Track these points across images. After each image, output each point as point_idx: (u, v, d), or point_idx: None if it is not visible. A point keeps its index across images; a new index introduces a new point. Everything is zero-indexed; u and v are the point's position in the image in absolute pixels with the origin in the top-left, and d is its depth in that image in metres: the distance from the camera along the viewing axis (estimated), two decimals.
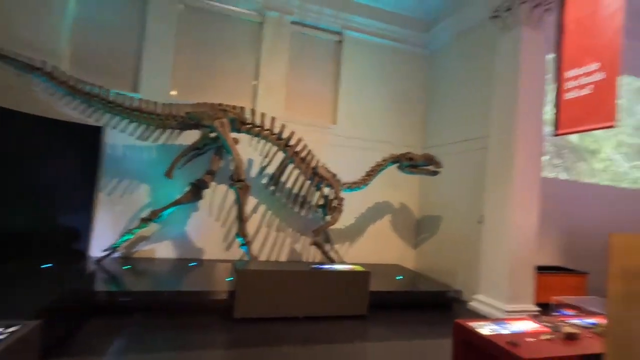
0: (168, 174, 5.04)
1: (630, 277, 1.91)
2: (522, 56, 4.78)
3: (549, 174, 6.27)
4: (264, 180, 5.95)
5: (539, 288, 4.85)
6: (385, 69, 7.15)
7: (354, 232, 6.73)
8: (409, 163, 5.66)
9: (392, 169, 5.97)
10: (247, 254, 5.10)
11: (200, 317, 3.90)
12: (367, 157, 6.42)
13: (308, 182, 5.60)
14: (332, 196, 5.58)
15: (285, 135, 5.41)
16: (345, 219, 6.31)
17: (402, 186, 6.99)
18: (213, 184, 5.51)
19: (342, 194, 5.60)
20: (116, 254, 5.18)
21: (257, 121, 5.28)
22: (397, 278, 5.69)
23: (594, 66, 2.80)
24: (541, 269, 5.31)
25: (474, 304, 5.05)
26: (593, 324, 2.63)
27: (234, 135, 5.13)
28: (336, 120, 6.81)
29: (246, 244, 5.04)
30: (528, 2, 4.71)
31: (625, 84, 7.05)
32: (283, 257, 6.25)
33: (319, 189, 5.65)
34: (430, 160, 5.55)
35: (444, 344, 2.87)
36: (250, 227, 5.74)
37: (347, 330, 3.94)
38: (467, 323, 2.55)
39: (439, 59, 7.06)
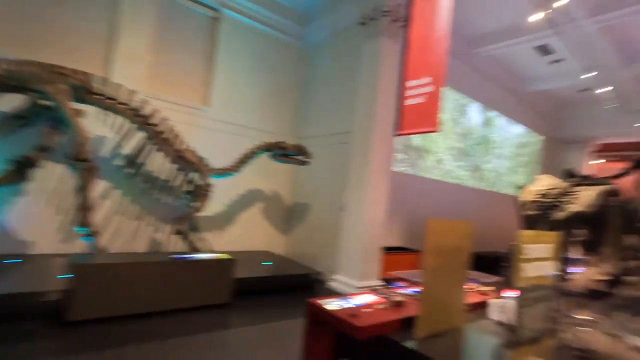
0: None
1: (439, 252, 2.38)
2: (381, 63, 5.41)
3: (397, 168, 7.34)
4: (119, 162, 5.20)
5: (384, 266, 5.66)
6: (264, 56, 7.09)
7: (224, 220, 6.54)
8: (280, 152, 5.79)
9: (266, 156, 6.01)
10: (93, 246, 4.39)
11: (20, 325, 3.18)
12: (240, 143, 6.28)
13: (172, 165, 5.14)
14: (199, 182, 5.28)
15: (146, 112, 4.81)
16: (215, 206, 6.07)
17: (275, 174, 7.12)
18: (48, 162, 4.52)
19: (211, 180, 5.36)
20: None
21: (110, 92, 4.53)
22: (264, 264, 5.80)
23: (427, 80, 3.41)
24: (387, 249, 6.21)
25: (333, 284, 5.57)
26: (416, 292, 3.15)
27: (77, 106, 4.28)
28: (209, 102, 6.43)
29: (91, 234, 4.32)
30: (388, 17, 5.34)
31: (455, 99, 8.76)
32: (141, 249, 5.62)
33: (184, 173, 5.26)
34: (300, 150, 5.80)
35: (300, 323, 3.08)
36: (101, 215, 4.95)
37: (206, 321, 3.82)
38: (317, 301, 2.72)
39: (315, 54, 7.38)
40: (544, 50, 8.48)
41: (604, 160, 14.86)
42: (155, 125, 4.86)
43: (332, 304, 2.62)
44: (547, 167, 12.34)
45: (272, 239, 7.21)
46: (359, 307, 2.60)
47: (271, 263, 5.91)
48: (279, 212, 7.35)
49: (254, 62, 6.97)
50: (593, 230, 3.35)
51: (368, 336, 2.20)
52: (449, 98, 8.56)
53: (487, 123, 9.98)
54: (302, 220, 6.99)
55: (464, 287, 2.67)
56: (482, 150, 9.82)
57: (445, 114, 8.47)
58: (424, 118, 3.32)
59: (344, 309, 2.53)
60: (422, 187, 7.94)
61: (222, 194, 6.22)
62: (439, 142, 8.40)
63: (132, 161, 5.02)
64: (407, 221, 7.58)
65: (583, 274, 2.96)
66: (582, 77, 8.19)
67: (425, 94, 3.37)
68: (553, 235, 2.13)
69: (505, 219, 9.33)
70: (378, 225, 5.44)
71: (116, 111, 4.60)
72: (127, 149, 5.04)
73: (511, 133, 11.08)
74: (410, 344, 2.13)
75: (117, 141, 5.01)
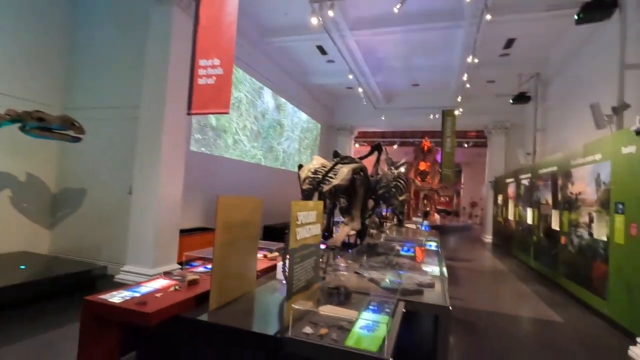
0: None
1: (230, 227, 2.56)
2: (173, 34, 5.02)
3: (194, 148, 7.14)
4: None
5: (182, 248, 5.49)
6: None
7: None
8: (38, 124, 4.52)
9: (13, 130, 4.56)
10: None
11: None
12: None
13: None
14: None
15: None
16: None
17: (32, 153, 5.52)
18: None
19: None
20: None
21: None
22: (21, 268, 4.52)
23: (217, 61, 3.47)
24: (186, 231, 6.04)
25: (121, 276, 4.96)
26: (210, 268, 3.26)
27: None
28: None
29: None
30: None
31: (251, 83, 9.21)
32: None
33: None
34: (68, 123, 4.69)
35: (74, 329, 2.63)
36: None
37: None
38: (98, 297, 2.44)
39: (89, 9, 6.03)
40: (322, 50, 10.07)
41: (358, 145, 19.35)
42: None
43: (116, 297, 2.41)
44: (324, 149, 14.96)
45: (32, 235, 5.64)
46: (148, 294, 2.49)
47: (26, 266, 4.65)
48: (41, 201, 5.79)
49: None
50: (348, 198, 4.39)
51: (159, 321, 2.16)
52: (245, 81, 8.93)
53: (279, 108, 11.03)
54: (76, 209, 5.78)
55: (256, 256, 3.00)
56: (275, 132, 10.83)
57: (242, 97, 8.81)
58: (215, 99, 3.35)
59: (130, 300, 2.37)
60: (220, 166, 8.05)
61: None
62: (237, 123, 8.69)
63: None
64: (207, 201, 7.56)
65: (340, 232, 3.84)
66: (349, 77, 10.26)
67: (216, 75, 3.41)
68: (318, 203, 2.67)
69: (294, 194, 10.78)
70: (173, 207, 5.18)
71: None
72: None
73: (299, 119, 12.70)
74: (203, 317, 2.24)
75: None
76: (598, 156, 5.06)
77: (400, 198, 8.47)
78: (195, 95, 3.42)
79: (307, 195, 3.65)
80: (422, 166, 17.54)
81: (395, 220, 8.59)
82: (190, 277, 2.76)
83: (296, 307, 2.06)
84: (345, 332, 1.92)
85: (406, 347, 3.04)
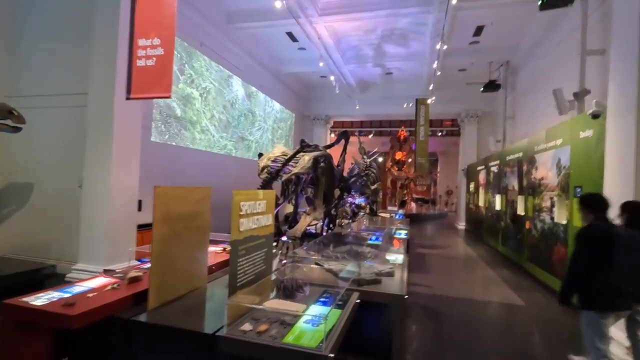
0: None
1: (171, 219, 2.37)
2: (122, 16, 4.65)
3: (156, 139, 6.79)
4: None
5: (141, 244, 5.24)
6: None
7: None
8: None
9: None
10: None
11: None
12: None
13: None
14: None
15: None
16: None
17: None
18: None
19: None
20: None
21: None
22: None
23: (157, 41, 3.22)
24: (147, 226, 5.75)
25: (72, 275, 4.66)
26: None
27: None
28: None
29: None
30: None
31: (218, 70, 8.86)
32: None
33: None
34: (5, 112, 4.29)
35: None
36: None
37: None
38: (20, 299, 2.22)
39: None
40: (292, 37, 9.78)
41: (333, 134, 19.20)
42: None
43: (42, 299, 2.20)
44: (299, 139, 14.74)
45: None
46: (80, 294, 2.30)
47: None
48: None
49: None
50: (314, 187, 4.26)
51: (85, 324, 1.98)
52: (212, 68, 8.57)
53: (250, 96, 10.71)
54: (23, 205, 5.38)
55: (207, 249, 2.82)
56: (246, 121, 10.53)
57: (208, 85, 8.46)
58: (155, 82, 3.12)
59: (57, 301, 2.17)
60: (187, 158, 7.73)
61: None
62: (203, 112, 8.35)
63: None
64: None
65: (301, 222, 3.72)
66: (320, 65, 10.05)
67: (156, 56, 3.16)
68: (268, 192, 2.51)
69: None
70: (128, 201, 4.89)
71: None
72: None
73: (272, 108, 12.41)
74: (140, 317, 2.07)
75: None
76: (559, 141, 5.13)
77: (372, 187, 8.44)
78: (135, 79, 3.17)
79: (264, 185, 3.49)
80: (399, 155, 17.66)
81: (368, 209, 8.57)
82: (132, 274, 2.57)
83: (236, 302, 1.93)
84: (287, 327, 1.80)
85: (369, 337, 2.96)
